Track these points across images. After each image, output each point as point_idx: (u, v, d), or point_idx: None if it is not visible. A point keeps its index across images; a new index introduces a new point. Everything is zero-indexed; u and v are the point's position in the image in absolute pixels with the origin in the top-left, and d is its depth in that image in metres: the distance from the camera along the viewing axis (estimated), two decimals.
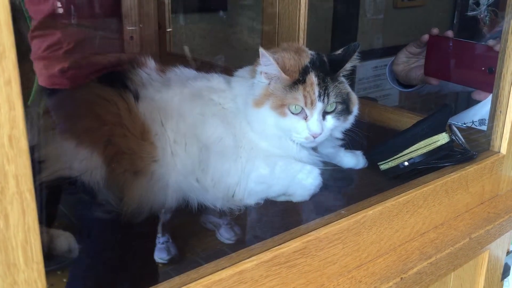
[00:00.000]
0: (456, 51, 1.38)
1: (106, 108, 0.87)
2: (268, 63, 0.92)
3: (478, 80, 1.33)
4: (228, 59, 2.49)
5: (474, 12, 3.48)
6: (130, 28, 2.06)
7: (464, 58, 1.37)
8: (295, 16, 1.47)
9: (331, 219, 0.77)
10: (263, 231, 0.85)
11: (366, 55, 3.08)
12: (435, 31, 1.42)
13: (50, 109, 0.89)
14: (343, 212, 0.79)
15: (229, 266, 0.64)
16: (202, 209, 0.91)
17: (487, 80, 1.26)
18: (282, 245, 0.70)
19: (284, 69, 0.92)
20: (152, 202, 0.87)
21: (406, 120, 1.26)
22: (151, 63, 1.02)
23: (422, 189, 0.88)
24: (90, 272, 0.77)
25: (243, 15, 2.58)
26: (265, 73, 0.94)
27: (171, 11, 2.03)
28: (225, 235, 0.88)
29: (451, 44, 1.39)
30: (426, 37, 1.43)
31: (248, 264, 0.65)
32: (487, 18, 3.32)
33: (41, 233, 0.77)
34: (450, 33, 1.39)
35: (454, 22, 3.78)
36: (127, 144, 0.87)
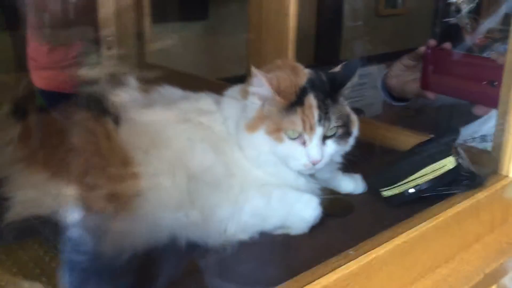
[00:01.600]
0: (455, 64, 1.31)
1: (83, 135, 0.78)
2: (261, 84, 0.83)
3: (479, 94, 1.26)
4: (210, 69, 2.41)
5: (455, 19, 3.46)
6: (108, 38, 1.96)
7: (464, 71, 1.31)
8: (283, 26, 1.39)
9: (339, 262, 0.68)
10: (258, 274, 0.76)
11: None
12: (432, 42, 1.35)
13: (20, 136, 0.79)
14: (351, 252, 0.71)
15: None
16: (191, 247, 0.81)
17: (489, 94, 1.20)
18: None
19: (278, 91, 0.83)
20: (136, 240, 0.77)
21: (404, 139, 1.19)
22: (132, 83, 0.93)
23: (434, 221, 0.80)
24: None
25: (225, 23, 2.50)
26: (258, 94, 0.85)
27: (151, 20, 1.93)
28: None
29: (449, 57, 1.32)
30: (422, 49, 1.36)
31: None
32: (468, 26, 3.29)
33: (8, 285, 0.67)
34: (448, 45, 1.33)
35: (436, 30, 3.76)
36: (106, 176, 0.77)
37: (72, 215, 0.74)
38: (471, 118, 1.49)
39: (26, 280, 0.66)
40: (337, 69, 0.92)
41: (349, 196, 1.03)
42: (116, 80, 0.91)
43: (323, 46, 3.18)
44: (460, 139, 1.40)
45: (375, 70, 3.11)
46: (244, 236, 0.85)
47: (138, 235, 0.77)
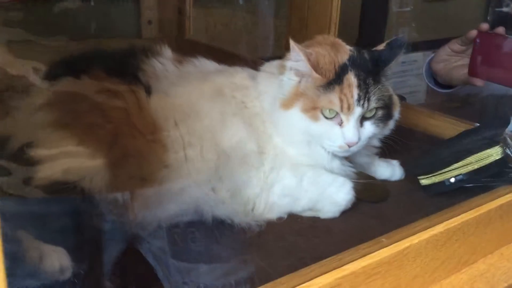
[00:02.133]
0: (508, 50, 1.23)
1: (112, 102, 0.76)
2: (298, 59, 0.79)
3: None
4: (250, 49, 2.37)
5: (508, 8, 3.30)
6: (148, 11, 1.95)
7: None
8: (327, 6, 1.34)
9: (370, 249, 0.65)
10: (283, 257, 0.73)
11: None
12: (484, 26, 1.27)
13: (50, 101, 0.78)
14: (383, 240, 0.67)
15: None
16: (218, 223, 0.79)
17: None
18: (312, 281, 0.58)
19: (316, 67, 0.80)
20: (161, 212, 0.75)
21: (449, 126, 1.14)
22: (167, 52, 0.91)
23: (474, 213, 0.75)
24: None
25: (269, 2, 2.45)
26: (296, 69, 0.82)
27: None
28: None
29: (502, 42, 1.24)
30: (473, 33, 1.28)
31: None
32: None
33: (30, 248, 0.67)
34: (501, 30, 1.25)
35: (488, 18, 3.60)
36: (135, 145, 0.75)
37: (99, 183, 0.73)
38: None
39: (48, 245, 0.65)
40: (381, 47, 0.87)
41: (385, 182, 0.98)
42: (151, 50, 0.89)
43: (367, 31, 3.08)
44: (509, 130, 1.33)
45: (420, 57, 3.00)
46: (271, 215, 0.82)
47: (164, 207, 0.75)
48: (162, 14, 1.92)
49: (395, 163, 1.00)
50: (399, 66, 3.35)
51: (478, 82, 1.31)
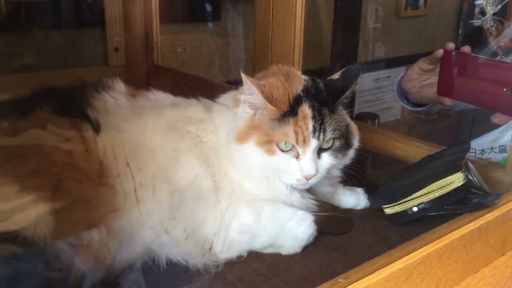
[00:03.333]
0: (474, 69, 1.23)
1: (56, 145, 0.72)
2: (251, 92, 0.77)
3: (499, 102, 1.18)
4: (222, 72, 2.35)
5: (480, 22, 3.34)
6: (115, 39, 1.93)
7: (483, 77, 1.22)
8: (290, 28, 1.33)
9: None
10: None
11: (367, 67, 2.94)
12: (450, 46, 1.27)
13: None
14: (340, 280, 0.64)
15: None
16: (172, 266, 0.76)
17: (510, 102, 1.12)
18: None
19: (270, 99, 0.77)
20: (111, 258, 0.72)
21: (414, 149, 1.12)
22: (119, 86, 0.88)
23: (436, 246, 0.73)
24: None
25: (239, 25, 2.44)
26: (249, 102, 0.79)
27: (159, 20, 1.88)
28: None
29: (468, 61, 1.24)
30: (440, 52, 1.28)
31: None
32: (493, 28, 3.17)
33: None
34: (467, 49, 1.24)
35: (459, 32, 3.65)
36: (81, 189, 0.72)
37: (43, 231, 0.70)
38: (492, 124, 1.41)
39: None
40: (337, 75, 0.85)
41: (350, 211, 0.96)
42: (102, 84, 0.86)
43: (340, 48, 3.09)
44: (478, 150, 1.32)
45: (393, 73, 3.02)
46: (230, 254, 0.80)
47: (114, 252, 0.72)
48: (128, 40, 1.89)
49: (360, 191, 0.98)
50: (374, 83, 3.36)
51: (447, 101, 1.30)
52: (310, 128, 0.78)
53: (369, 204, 0.97)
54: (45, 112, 0.77)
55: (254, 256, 0.81)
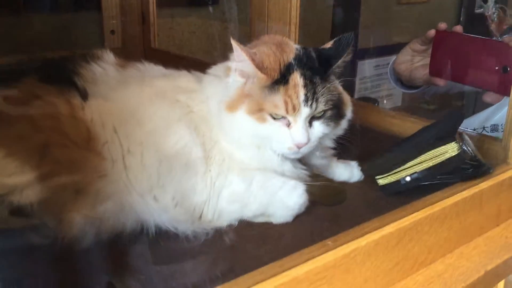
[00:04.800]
0: (466, 48, 1.21)
1: (43, 110, 0.72)
2: (241, 59, 0.76)
3: (490, 81, 1.17)
4: (218, 56, 2.33)
5: (482, 9, 3.31)
6: (112, 21, 1.91)
7: (475, 56, 1.21)
8: (286, 9, 1.32)
9: (314, 253, 0.61)
10: (229, 266, 0.69)
11: (367, 53, 2.92)
12: (442, 26, 1.25)
13: None
14: (329, 243, 0.63)
15: None
16: (161, 234, 0.75)
17: (501, 81, 1.11)
18: None
19: (260, 67, 0.76)
20: (98, 226, 0.71)
21: (410, 125, 1.11)
22: (109, 57, 0.87)
23: (428, 211, 0.72)
24: None
25: (236, 9, 2.42)
26: (240, 70, 0.78)
27: (155, 4, 1.86)
28: None
29: (460, 41, 1.23)
30: (432, 32, 1.27)
31: None
32: (495, 15, 3.15)
33: None
34: (459, 28, 1.23)
35: (461, 19, 3.62)
36: (68, 155, 0.71)
37: (30, 197, 0.69)
38: (485, 106, 1.40)
39: None
40: (329, 45, 0.84)
41: (344, 184, 0.95)
42: (91, 55, 0.85)
43: (339, 34, 3.07)
44: (469, 129, 1.31)
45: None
46: (221, 223, 0.79)
47: (102, 220, 0.71)
48: (125, 23, 1.88)
49: (354, 164, 0.97)
50: (374, 70, 3.34)
51: (440, 81, 1.29)
52: (302, 96, 0.76)
53: (363, 177, 0.96)
54: (32, 79, 0.76)
55: (244, 224, 0.80)
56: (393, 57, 1.48)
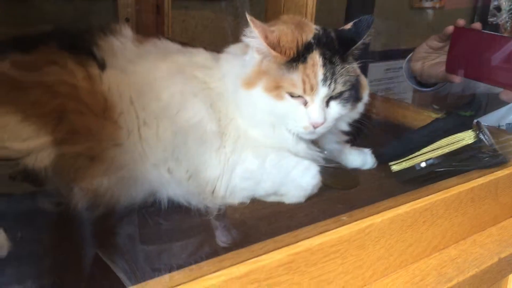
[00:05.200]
0: (484, 45, 1.20)
1: (61, 77, 0.71)
2: (253, 35, 0.76)
3: (508, 79, 1.16)
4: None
5: (495, 18, 3.29)
6: (126, 9, 1.91)
7: (493, 53, 1.20)
8: (302, 6, 1.31)
9: (328, 227, 0.60)
10: (241, 240, 0.68)
11: (379, 56, 2.91)
12: (461, 22, 1.25)
13: None
14: (344, 218, 0.63)
15: (187, 281, 0.48)
16: (173, 206, 0.75)
17: None
18: (262, 256, 0.54)
19: (274, 44, 0.76)
20: (111, 195, 0.71)
21: (422, 117, 1.10)
22: (127, 32, 0.86)
23: (443, 195, 0.71)
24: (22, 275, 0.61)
25: (250, 5, 2.42)
26: (256, 47, 0.78)
27: None
28: (222, 238, 0.71)
29: (478, 38, 1.22)
30: (450, 29, 1.26)
31: (213, 280, 0.49)
32: (508, 24, 3.13)
33: None
34: (478, 25, 1.22)
35: None
36: (84, 122, 0.70)
37: (44, 161, 0.69)
38: (502, 105, 1.38)
39: None
40: (349, 26, 0.83)
41: (357, 170, 0.95)
42: (109, 28, 0.85)
43: None
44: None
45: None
46: (233, 200, 0.78)
47: (114, 187, 0.71)
48: (139, 12, 1.88)
49: (367, 151, 0.96)
50: (384, 73, 3.33)
51: (456, 78, 1.28)
52: (320, 76, 0.76)
53: (376, 164, 0.95)
54: (50, 47, 0.76)
55: (257, 202, 0.80)
56: (402, 61, 1.47)
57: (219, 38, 2.27)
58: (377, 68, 2.99)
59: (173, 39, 0.93)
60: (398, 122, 1.16)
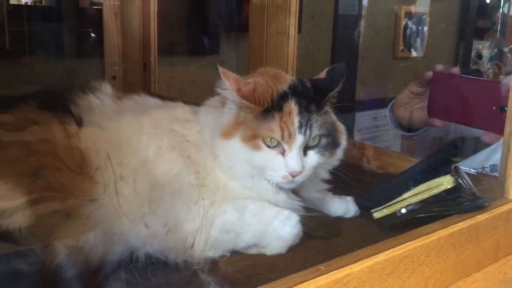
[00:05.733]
0: (463, 89, 1.23)
1: (37, 134, 0.72)
2: (224, 87, 0.77)
3: (488, 121, 1.18)
4: None
5: (477, 65, 3.36)
6: (114, 67, 1.95)
7: (472, 96, 1.22)
8: (283, 48, 1.35)
9: (306, 277, 0.59)
10: None
11: (365, 105, 2.96)
12: (439, 67, 1.28)
13: None
14: (321, 268, 0.62)
15: None
16: (151, 263, 0.73)
17: (499, 121, 1.12)
18: None
19: (248, 96, 0.77)
20: (87, 252, 0.70)
21: (408, 164, 1.10)
22: (106, 89, 0.88)
23: (423, 241, 0.71)
24: None
25: (236, 59, 2.48)
26: (229, 98, 0.79)
27: (157, 52, 1.91)
28: None
29: (457, 82, 1.25)
30: (429, 74, 1.29)
31: None
32: (490, 71, 3.20)
33: None
34: (456, 70, 1.26)
35: None
36: (60, 178, 0.70)
37: (19, 220, 0.68)
38: (485, 147, 1.39)
39: None
40: (323, 75, 0.85)
41: (339, 220, 0.94)
42: (89, 86, 0.86)
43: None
44: (469, 168, 1.30)
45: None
46: (213, 253, 0.77)
47: (90, 244, 0.70)
48: (127, 70, 1.91)
49: (350, 199, 0.96)
50: (372, 122, 3.37)
51: (438, 122, 1.30)
52: (296, 123, 0.77)
53: (358, 212, 0.95)
54: (29, 106, 0.77)
55: (237, 254, 0.78)
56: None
57: (206, 92, 2.31)
58: (364, 117, 3.03)
59: (154, 94, 0.94)
60: (379, 168, 1.17)
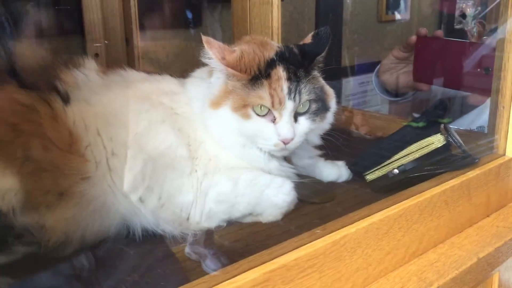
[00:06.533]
0: (447, 52, 1.23)
1: (23, 115, 0.70)
2: (209, 56, 0.76)
3: (473, 83, 1.18)
4: None
5: (461, 25, 3.36)
6: (95, 45, 1.91)
7: (456, 59, 1.22)
8: (267, 16, 1.33)
9: (303, 241, 0.60)
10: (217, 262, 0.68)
11: (352, 71, 2.95)
12: (422, 31, 1.27)
13: None
14: (318, 231, 0.62)
15: None
16: (148, 236, 0.73)
17: (484, 82, 1.12)
18: (237, 277, 0.53)
19: (233, 64, 0.76)
20: (83, 229, 0.70)
21: (392, 125, 1.11)
22: (90, 64, 0.86)
23: (416, 200, 0.72)
24: None
25: (219, 30, 2.45)
26: (215, 67, 0.79)
27: (138, 27, 1.87)
28: (211, 266, 0.69)
29: (441, 45, 1.24)
30: (413, 38, 1.28)
31: None
32: (474, 30, 3.19)
33: None
34: (439, 33, 1.25)
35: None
36: (49, 158, 0.69)
37: (11, 201, 0.67)
38: (471, 109, 1.40)
39: None
40: (308, 40, 0.84)
41: (332, 184, 0.95)
42: (72, 62, 0.85)
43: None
44: (458, 127, 1.31)
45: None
46: (209, 224, 0.77)
47: (86, 222, 0.70)
48: (109, 46, 1.88)
49: (341, 164, 0.96)
50: (359, 87, 3.38)
51: (424, 86, 1.30)
52: (285, 89, 0.76)
53: (351, 176, 0.95)
54: (12, 86, 0.75)
55: (233, 224, 0.79)
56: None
57: (191, 66, 2.29)
58: (351, 83, 3.02)
59: (139, 69, 0.93)
60: (370, 133, 1.17)
